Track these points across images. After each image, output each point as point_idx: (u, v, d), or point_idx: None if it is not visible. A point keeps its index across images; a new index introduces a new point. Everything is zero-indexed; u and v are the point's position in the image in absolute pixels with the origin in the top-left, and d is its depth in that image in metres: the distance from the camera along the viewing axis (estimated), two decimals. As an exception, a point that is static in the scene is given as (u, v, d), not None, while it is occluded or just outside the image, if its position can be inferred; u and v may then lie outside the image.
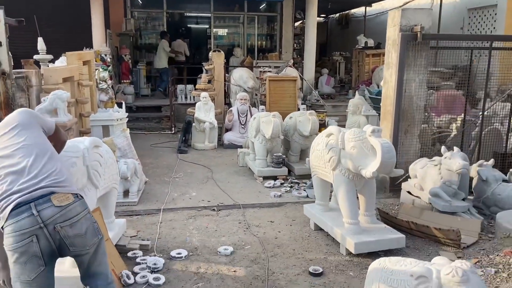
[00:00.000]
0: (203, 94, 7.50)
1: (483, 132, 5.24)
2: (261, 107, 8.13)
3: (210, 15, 12.31)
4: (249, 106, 7.81)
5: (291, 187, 5.33)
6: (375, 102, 7.46)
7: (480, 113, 5.21)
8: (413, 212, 4.22)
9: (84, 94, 6.22)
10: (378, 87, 10.23)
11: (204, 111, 7.51)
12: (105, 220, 3.52)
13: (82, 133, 5.85)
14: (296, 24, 13.52)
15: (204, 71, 9.52)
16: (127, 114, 5.81)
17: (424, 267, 2.07)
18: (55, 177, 2.09)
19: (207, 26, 15.18)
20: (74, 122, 4.89)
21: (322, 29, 18.80)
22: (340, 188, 3.63)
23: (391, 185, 5.02)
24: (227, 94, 9.21)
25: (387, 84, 5.08)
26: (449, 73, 6.47)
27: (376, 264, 2.33)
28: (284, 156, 5.82)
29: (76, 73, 5.85)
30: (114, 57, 10.40)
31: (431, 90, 5.74)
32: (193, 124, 7.52)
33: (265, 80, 8.44)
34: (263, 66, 10.05)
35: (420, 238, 3.91)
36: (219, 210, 4.60)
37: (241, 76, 8.51)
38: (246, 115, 7.69)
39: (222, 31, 13.50)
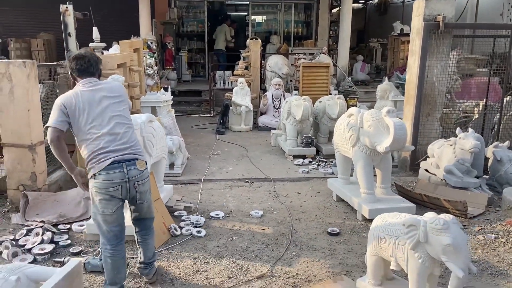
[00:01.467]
0: (240, 79, 8.07)
1: (504, 118, 5.49)
2: (295, 92, 8.61)
3: (248, 2, 12.79)
4: (283, 91, 8.30)
5: (318, 165, 5.83)
6: (404, 87, 7.73)
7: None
8: (428, 187, 4.62)
9: (134, 78, 6.96)
10: (412, 74, 10.41)
11: (241, 96, 8.09)
12: (157, 184, 4.20)
13: (133, 113, 6.60)
14: (333, 11, 13.75)
15: (242, 58, 10.09)
16: (172, 96, 6.49)
17: (414, 218, 2.55)
18: (137, 147, 2.78)
19: (246, 14, 15.71)
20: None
21: (360, 15, 18.85)
22: (358, 163, 4.11)
23: (411, 164, 5.41)
24: (262, 80, 9.74)
25: (411, 70, 5.43)
26: (484, 60, 6.67)
27: (378, 218, 2.82)
28: (313, 137, 6.31)
29: (128, 60, 6.57)
30: (159, 44, 11.17)
31: (456, 77, 6.00)
32: (231, 107, 8.12)
33: (299, 66, 8.88)
34: (298, 53, 10.48)
35: (431, 209, 4.32)
36: (252, 182, 5.19)
37: (276, 63, 9.01)
38: (280, 100, 8.20)
39: (260, 18, 13.98)
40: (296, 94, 8.51)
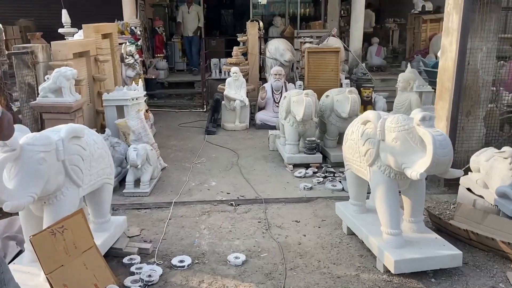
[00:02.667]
0: (233, 69, 6.84)
1: None
2: (299, 82, 7.34)
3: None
4: (285, 82, 7.05)
5: (325, 177, 4.62)
6: (431, 75, 6.41)
7: None
8: (474, 215, 3.38)
9: (104, 70, 5.79)
10: (436, 58, 9.01)
11: (235, 88, 6.87)
12: (98, 220, 3.06)
13: (98, 112, 5.45)
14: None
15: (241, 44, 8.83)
16: (144, 92, 5.30)
17: None
18: None
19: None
20: (82, 103, 4.44)
21: (373, -6, 17.24)
22: (378, 189, 2.89)
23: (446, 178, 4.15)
24: (262, 69, 8.48)
25: (446, 55, 4.13)
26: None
27: None
28: (319, 140, 5.07)
29: (92, 47, 5.40)
30: (147, 29, 9.95)
31: (502, 62, 4.69)
32: (223, 102, 6.91)
33: (304, 52, 7.59)
34: (304, 37, 9.14)
35: (481, 252, 3.10)
36: (238, 205, 4.00)
37: (277, 48, 7.72)
38: (281, 92, 6.95)
39: (263, 0, 12.60)
40: (300, 85, 7.25)
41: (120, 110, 4.92)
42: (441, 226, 3.28)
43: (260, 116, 6.93)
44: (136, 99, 4.95)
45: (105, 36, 6.15)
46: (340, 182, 4.39)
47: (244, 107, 6.85)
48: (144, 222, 3.70)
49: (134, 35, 8.49)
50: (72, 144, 2.62)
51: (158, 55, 9.84)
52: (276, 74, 6.87)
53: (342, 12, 11.50)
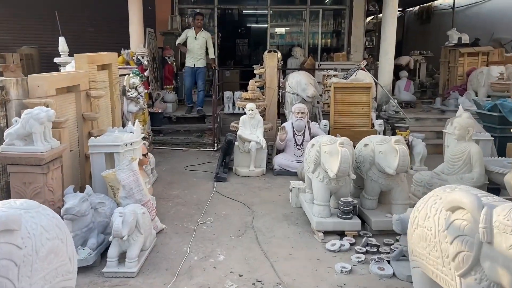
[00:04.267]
0: (249, 105, 5.92)
1: None
2: (324, 122, 6.38)
3: (265, 11, 10.72)
4: (308, 121, 6.09)
5: (365, 252, 3.56)
6: (487, 120, 5.38)
7: None
8: None
9: (98, 107, 4.92)
10: (477, 96, 8.02)
11: (250, 127, 5.93)
12: None
13: (87, 157, 4.54)
14: (368, 19, 11.52)
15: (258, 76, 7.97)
16: (142, 135, 4.38)
17: None
18: None
19: (266, 25, 13.67)
20: (60, 151, 3.53)
21: (397, 25, 16.50)
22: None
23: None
24: (281, 104, 7.57)
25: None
26: None
27: None
28: (355, 201, 4.03)
29: (83, 81, 4.54)
30: (157, 59, 9.20)
31: None
32: (236, 143, 5.97)
33: (329, 86, 6.68)
34: (327, 69, 8.27)
35: None
36: (253, 297, 2.97)
37: (298, 82, 6.82)
38: (304, 133, 5.99)
39: (280, 30, 11.86)
40: (326, 125, 6.30)
41: (111, 158, 3.99)
42: None
43: (279, 161, 5.95)
44: (131, 144, 4.02)
45: (102, 67, 5.33)
46: (388, 262, 3.33)
47: (261, 149, 5.89)
48: (125, 323, 2.69)
49: (140, 65, 7.72)
50: (1, 243, 1.66)
51: (167, 86, 9.04)
52: (298, 113, 5.92)
53: (366, 43, 10.66)
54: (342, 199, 3.91)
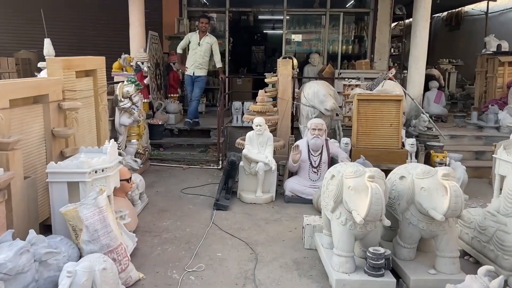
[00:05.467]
0: (257, 120, 5.04)
1: None
2: (345, 140, 5.45)
3: (282, 17, 9.87)
4: (326, 139, 5.18)
5: (404, 327, 2.62)
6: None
7: None
8: None
9: (75, 121, 4.12)
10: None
11: (258, 145, 5.05)
12: None
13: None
14: (393, 24, 10.54)
15: (271, 86, 7.12)
16: (119, 158, 3.55)
17: None
18: None
19: (283, 31, 12.82)
20: (4, 180, 2.71)
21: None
22: None
23: None
24: (295, 118, 6.67)
25: None
26: None
27: None
28: (388, 252, 3.08)
29: (54, 90, 3.75)
30: (161, 65, 8.44)
31: None
32: (241, 164, 5.09)
33: (352, 98, 5.76)
34: (348, 78, 7.35)
35: None
36: None
37: (316, 92, 5.91)
38: (321, 153, 5.08)
39: (297, 36, 10.97)
40: (346, 143, 5.38)
41: (75, 189, 3.15)
42: None
43: (291, 185, 5.04)
44: (102, 170, 3.18)
45: (86, 73, 4.55)
46: None
47: (270, 171, 5.00)
48: None
49: (140, 72, 6.95)
50: None
51: (172, 95, 8.25)
52: (315, 129, 5.01)
53: (392, 50, 9.69)
54: (371, 249, 2.97)
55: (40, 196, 3.48)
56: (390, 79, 6.03)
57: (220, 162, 6.49)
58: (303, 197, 4.94)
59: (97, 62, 4.69)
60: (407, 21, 10.59)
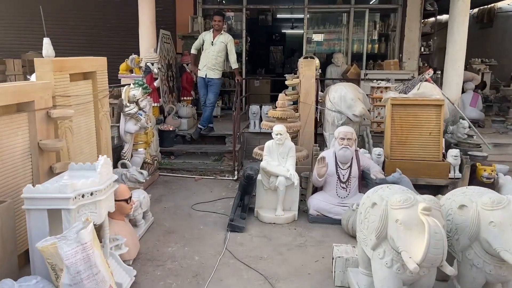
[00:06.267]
0: (277, 128, 4.43)
1: None
2: (377, 151, 4.79)
3: (302, 15, 9.24)
4: (356, 150, 4.53)
5: None
6: None
7: None
8: None
9: (68, 130, 3.61)
10: None
11: (278, 156, 4.44)
12: None
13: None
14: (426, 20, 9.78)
15: (292, 89, 6.51)
16: (115, 177, 2.99)
17: None
18: None
19: (303, 31, 12.18)
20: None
21: (444, 31, 14.62)
22: None
23: None
24: (319, 124, 6.03)
25: None
26: None
27: None
28: (447, 302, 2.44)
29: (41, 96, 3.23)
30: (173, 66, 7.91)
31: None
32: (259, 178, 4.49)
33: (384, 102, 5.10)
34: (377, 80, 6.67)
35: None
36: None
37: (343, 96, 5.26)
38: (350, 166, 4.43)
39: (318, 36, 10.29)
40: (379, 154, 4.73)
41: (57, 218, 2.60)
42: None
43: (316, 203, 4.41)
44: (91, 194, 2.63)
45: (84, 76, 4.04)
46: None
47: (291, 187, 4.38)
48: None
49: (149, 74, 6.43)
50: None
51: (185, 98, 7.71)
52: (343, 139, 4.37)
53: (422, 49, 8.95)
54: (424, 299, 2.33)
55: (23, 221, 2.96)
56: (427, 80, 5.33)
57: (236, 172, 5.91)
58: (330, 216, 4.31)
59: (97, 63, 4.16)
60: (438, 17, 9.83)
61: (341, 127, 4.54)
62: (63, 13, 9.06)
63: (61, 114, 3.31)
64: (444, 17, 11.84)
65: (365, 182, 4.61)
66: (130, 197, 3.44)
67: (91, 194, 2.64)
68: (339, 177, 4.42)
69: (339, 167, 4.44)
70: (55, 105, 3.44)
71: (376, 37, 9.49)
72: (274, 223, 4.32)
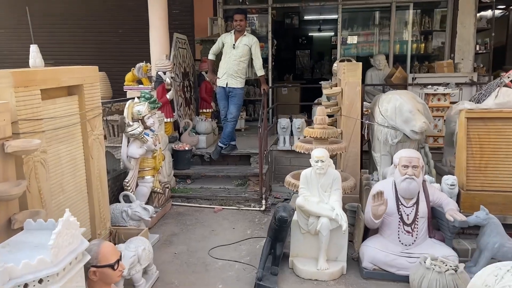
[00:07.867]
0: (318, 152, 3.36)
1: None
2: (449, 179, 3.64)
3: (331, 16, 8.17)
4: (424, 181, 3.41)
5: None
6: None
7: None
8: None
9: (40, 167, 2.68)
10: None
11: (319, 189, 3.37)
12: None
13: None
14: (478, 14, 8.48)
15: (326, 98, 5.44)
16: (84, 244, 2.01)
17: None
18: None
19: (332, 34, 11.09)
20: None
21: (497, 27, 13.14)
22: None
23: None
24: (365, 141, 4.92)
25: None
26: None
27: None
28: None
29: (3, 120, 2.31)
30: (190, 74, 6.98)
31: None
32: (294, 217, 3.43)
33: (455, 114, 3.96)
34: (432, 85, 5.51)
35: None
36: None
37: (398, 108, 4.14)
38: (417, 203, 3.32)
39: (352, 37, 9.14)
40: (452, 184, 3.61)
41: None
42: None
43: (372, 253, 3.30)
44: (40, 282, 1.65)
45: (69, 91, 3.13)
46: None
47: (338, 230, 3.30)
48: None
49: (161, 84, 5.52)
50: None
51: (204, 110, 6.77)
52: (406, 166, 3.27)
53: (478, 47, 7.69)
54: None
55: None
56: (507, 85, 4.15)
57: (263, 201, 4.87)
58: (392, 272, 3.21)
59: (84, 74, 3.23)
60: (496, 11, 8.53)
61: (403, 151, 3.42)
62: (76, 22, 8.34)
63: (19, 147, 2.37)
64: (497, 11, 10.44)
65: (435, 221, 3.50)
66: (119, 260, 2.46)
67: (40, 281, 1.66)
68: (401, 218, 3.31)
69: (402, 204, 3.33)
70: (18, 132, 2.52)
71: (420, 36, 8.29)
72: (316, 280, 3.26)
